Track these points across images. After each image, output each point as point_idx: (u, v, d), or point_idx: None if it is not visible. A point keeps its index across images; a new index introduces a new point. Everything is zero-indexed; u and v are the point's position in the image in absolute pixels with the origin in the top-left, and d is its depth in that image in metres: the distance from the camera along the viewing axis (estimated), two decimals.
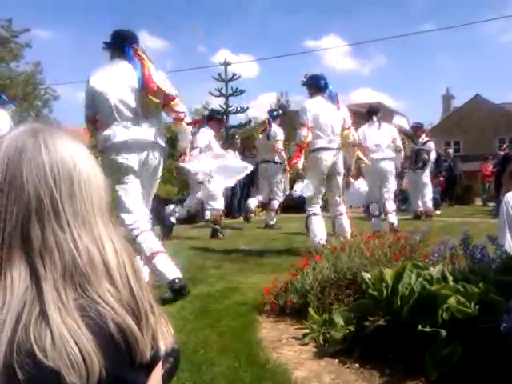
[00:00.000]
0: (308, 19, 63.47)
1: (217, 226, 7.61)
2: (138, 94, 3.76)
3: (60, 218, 0.80)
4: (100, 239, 0.84)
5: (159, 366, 0.89)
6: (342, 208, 5.82)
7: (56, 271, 0.77)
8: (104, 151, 3.79)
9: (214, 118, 8.46)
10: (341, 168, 5.77)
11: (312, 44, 55.84)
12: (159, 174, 4.02)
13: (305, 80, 5.81)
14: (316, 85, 5.71)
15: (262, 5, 61.48)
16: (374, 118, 7.42)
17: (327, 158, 5.57)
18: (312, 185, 5.54)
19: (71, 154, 0.84)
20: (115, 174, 3.67)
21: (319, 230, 5.53)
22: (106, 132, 3.76)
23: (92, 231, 0.83)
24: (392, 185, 7.46)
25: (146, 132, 3.82)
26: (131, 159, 3.74)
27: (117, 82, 3.77)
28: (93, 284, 0.79)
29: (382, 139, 7.29)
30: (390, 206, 7.37)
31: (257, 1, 61.48)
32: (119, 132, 3.74)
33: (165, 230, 6.78)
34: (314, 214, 5.64)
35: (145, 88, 3.72)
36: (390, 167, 7.33)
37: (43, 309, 0.75)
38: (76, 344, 0.74)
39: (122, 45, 3.88)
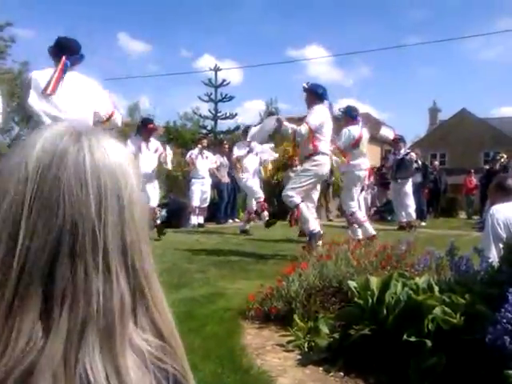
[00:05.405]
0: (291, 28, 63.79)
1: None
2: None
3: (97, 254, 0.61)
4: (145, 282, 0.66)
5: None
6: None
7: (75, 323, 0.59)
8: None
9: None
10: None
11: (294, 53, 56.32)
12: None
13: (307, 87, 5.93)
14: (317, 93, 5.94)
15: (245, 12, 61.83)
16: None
17: (327, 162, 5.88)
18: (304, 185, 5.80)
19: (122, 166, 0.66)
20: None
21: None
22: None
23: (135, 273, 0.65)
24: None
25: None
26: None
27: None
28: (114, 342, 0.61)
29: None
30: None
31: (240, 8, 61.81)
32: None
33: None
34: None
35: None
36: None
37: (31, 370, 0.57)
38: None
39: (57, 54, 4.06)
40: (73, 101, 3.92)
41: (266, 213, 8.96)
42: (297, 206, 5.69)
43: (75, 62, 4.11)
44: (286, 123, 5.82)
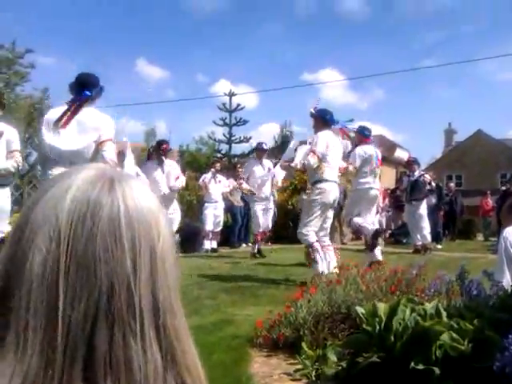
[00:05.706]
0: (306, 52, 64.40)
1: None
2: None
3: (134, 317, 0.55)
4: (176, 343, 0.60)
5: None
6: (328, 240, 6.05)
7: None
8: None
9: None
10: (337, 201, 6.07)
11: (309, 77, 56.65)
12: None
13: (314, 112, 5.96)
14: (324, 119, 5.90)
15: (260, 37, 62.82)
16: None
17: (333, 189, 5.75)
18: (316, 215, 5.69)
19: (154, 214, 0.60)
20: None
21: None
22: None
23: (166, 332, 0.59)
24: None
25: None
26: None
27: None
28: None
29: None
30: None
31: (256, 33, 62.84)
32: None
33: None
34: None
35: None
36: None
37: None
38: None
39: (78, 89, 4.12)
40: (78, 137, 3.98)
41: (257, 245, 9.05)
42: (311, 245, 5.61)
43: (96, 96, 4.20)
44: (292, 164, 5.92)
